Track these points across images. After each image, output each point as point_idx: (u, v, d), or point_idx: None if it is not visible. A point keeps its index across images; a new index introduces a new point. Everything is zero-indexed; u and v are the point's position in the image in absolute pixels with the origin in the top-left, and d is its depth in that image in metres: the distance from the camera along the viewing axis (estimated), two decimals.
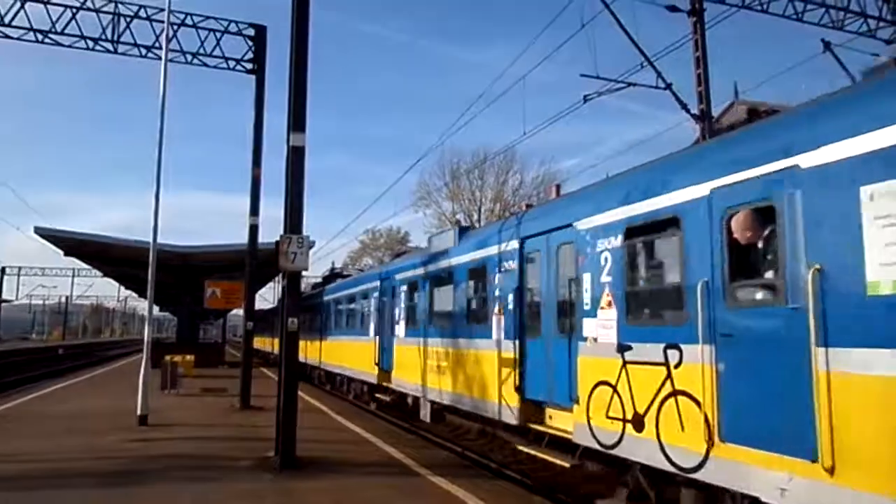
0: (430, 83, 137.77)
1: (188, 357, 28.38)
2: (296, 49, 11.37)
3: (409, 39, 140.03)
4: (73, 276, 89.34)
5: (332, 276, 32.53)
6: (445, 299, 14.90)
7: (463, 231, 14.39)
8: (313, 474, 10.19)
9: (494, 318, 12.21)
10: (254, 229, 19.52)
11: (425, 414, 15.77)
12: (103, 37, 21.12)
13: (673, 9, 18.67)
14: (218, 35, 21.84)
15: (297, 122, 11.12)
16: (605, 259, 9.22)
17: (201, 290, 32.08)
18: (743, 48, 79.45)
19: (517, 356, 11.31)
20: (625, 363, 8.67)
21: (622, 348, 8.74)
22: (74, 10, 20.81)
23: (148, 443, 12.64)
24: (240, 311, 24.70)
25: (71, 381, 28.19)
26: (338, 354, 25.08)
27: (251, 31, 21.85)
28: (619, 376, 8.75)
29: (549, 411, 10.93)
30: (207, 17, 21.91)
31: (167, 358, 23.81)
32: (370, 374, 19.96)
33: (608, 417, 8.94)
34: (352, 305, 23.77)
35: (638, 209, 8.66)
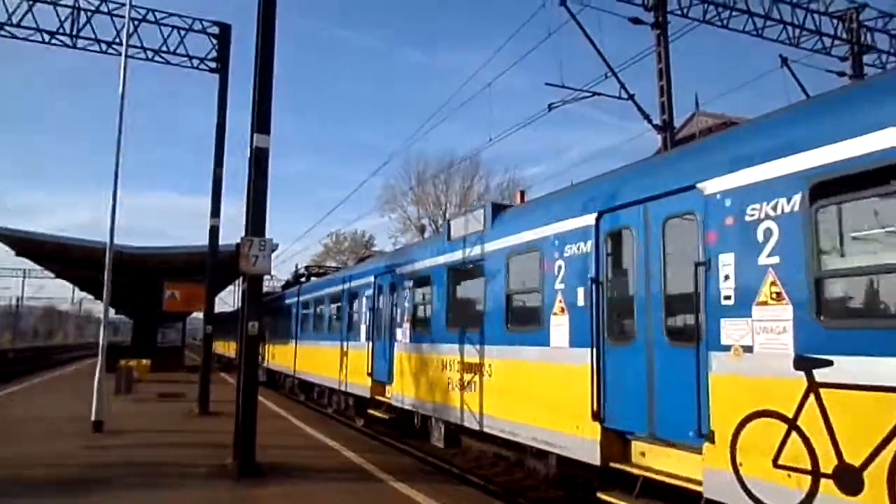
0: (398, 87, 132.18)
1: (144, 361, 27.42)
2: (261, 49, 10.63)
3: (376, 43, 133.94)
4: (25, 276, 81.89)
5: (308, 274, 28.54)
6: (472, 296, 11.41)
7: (498, 210, 10.89)
8: (273, 481, 9.53)
9: (553, 320, 8.79)
10: (214, 231, 18.26)
11: (438, 437, 12.21)
12: (62, 30, 19.60)
13: (636, 21, 18.12)
14: (182, 33, 20.52)
15: (261, 123, 10.42)
16: (767, 231, 5.93)
17: (160, 293, 31.06)
18: (705, 61, 78.44)
19: (594, 369, 7.91)
20: (814, 386, 5.37)
21: (809, 363, 5.43)
22: (31, 2, 19.19)
23: (102, 450, 11.63)
24: (201, 315, 22.61)
25: (22, 385, 26.46)
26: (316, 362, 21.00)
27: (216, 30, 20.47)
28: (803, 406, 5.45)
29: (639, 446, 7.57)
30: (171, 14, 20.57)
31: (122, 362, 22.61)
32: (360, 385, 16.18)
33: (779, 467, 5.61)
34: (335, 306, 19.78)
35: (839, 152, 5.38)
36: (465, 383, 10.89)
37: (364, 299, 16.39)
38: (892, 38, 22.72)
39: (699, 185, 6.71)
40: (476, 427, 10.53)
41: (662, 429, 7.03)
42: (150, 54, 20.39)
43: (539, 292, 9.17)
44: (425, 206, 67.27)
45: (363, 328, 16.19)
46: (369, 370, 15.40)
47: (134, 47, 19.12)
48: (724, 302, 6.32)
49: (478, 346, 10.54)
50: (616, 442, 7.80)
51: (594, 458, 7.83)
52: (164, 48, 20.38)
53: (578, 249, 8.42)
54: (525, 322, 9.69)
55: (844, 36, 21.94)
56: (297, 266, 62.87)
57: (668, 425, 6.95)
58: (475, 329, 10.83)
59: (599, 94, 17.70)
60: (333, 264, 66.66)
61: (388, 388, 14.60)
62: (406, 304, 13.62)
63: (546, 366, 8.87)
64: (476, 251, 10.93)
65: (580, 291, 8.30)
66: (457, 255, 11.62)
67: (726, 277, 6.32)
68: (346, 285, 18.29)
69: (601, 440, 7.78)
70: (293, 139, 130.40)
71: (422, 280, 13.03)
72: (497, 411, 9.92)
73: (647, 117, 17.33)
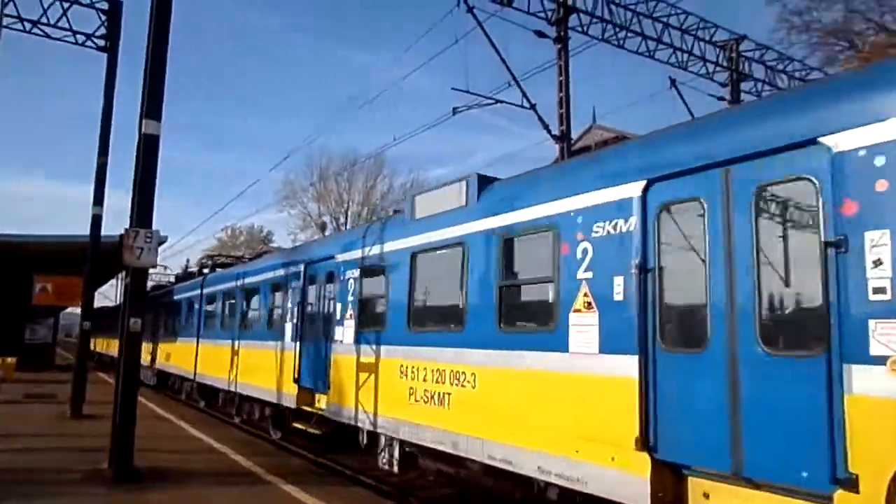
0: (302, 80, 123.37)
1: (9, 359, 24.86)
2: (155, 28, 9.77)
3: (281, 31, 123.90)
4: None
5: (213, 264, 25.06)
6: (446, 287, 9.06)
7: (485, 182, 8.63)
8: (152, 486, 8.78)
9: (573, 318, 6.68)
10: (97, 220, 16.38)
11: (390, 458, 9.75)
12: None
13: (540, 34, 18.43)
14: (65, 4, 17.80)
15: (151, 108, 9.66)
16: None
17: (30, 286, 27.44)
18: (604, 77, 79.73)
19: (641, 385, 5.88)
20: None
21: None
22: None
23: None
24: (79, 310, 19.41)
25: None
26: (223, 364, 17.58)
27: (105, 5, 17.96)
28: None
29: (700, 484, 5.63)
30: None
31: None
32: (282, 392, 13.30)
33: None
34: (251, 300, 16.61)
35: None
36: (434, 396, 8.58)
37: (291, 292, 13.56)
38: (767, 69, 24.40)
39: (825, 140, 4.82)
40: (449, 450, 8.24)
41: (757, 467, 5.07)
42: (27, 25, 17.41)
43: (551, 283, 7.03)
44: (327, 203, 64.57)
45: (289, 326, 13.39)
46: (296, 375, 12.63)
47: (8, 16, 16.75)
48: (873, 296, 4.45)
49: (454, 350, 8.26)
50: (668, 478, 5.81)
51: (641, 500, 5.78)
52: (44, 20, 17.52)
53: (615, 228, 6.36)
54: (528, 321, 7.58)
55: (725, 64, 23.24)
56: (187, 260, 58.21)
57: (767, 463, 5.00)
58: (451, 328, 8.57)
59: (503, 101, 17.86)
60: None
61: (320, 397, 11.95)
62: (350, 299, 11.04)
63: (561, 377, 6.74)
64: (453, 232, 8.63)
65: (618, 282, 6.25)
66: (424, 238, 9.26)
67: (877, 263, 4.45)
68: (267, 276, 15.29)
69: (652, 476, 5.75)
70: (186, 127, 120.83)
71: (373, 269, 10.53)
72: (483, 432, 7.69)
73: (546, 127, 17.41)
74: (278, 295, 14.38)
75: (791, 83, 25.29)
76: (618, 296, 6.24)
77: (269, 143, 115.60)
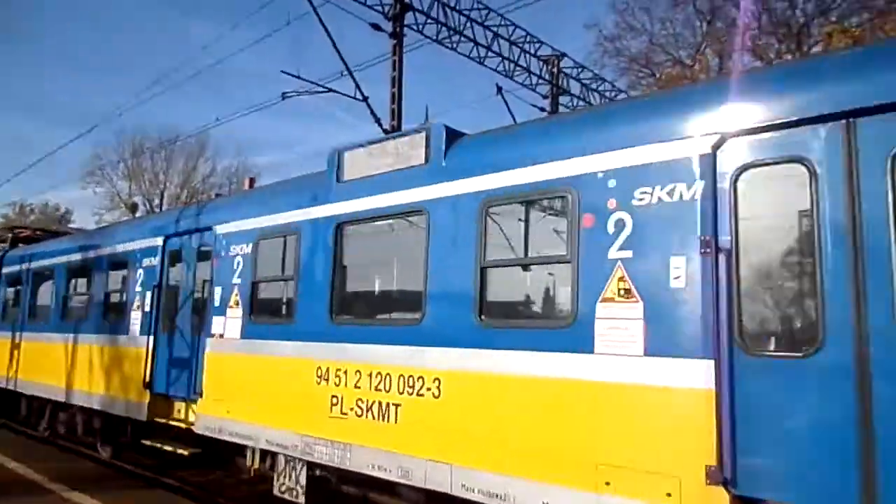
0: (109, 41, 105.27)
1: None
2: None
3: None
4: None
5: (13, 237, 20.03)
6: (392, 267, 7.03)
7: (454, 136, 6.61)
8: None
9: (601, 310, 5.02)
10: None
11: (293, 486, 7.46)
12: None
13: (376, 27, 18.22)
14: None
15: None
16: None
17: None
18: (438, 77, 78.93)
19: (718, 399, 4.42)
20: None
21: None
22: None
23: None
24: None
25: None
26: (29, 363, 13.55)
27: None
28: None
29: None
30: None
31: None
32: (128, 401, 10.05)
33: None
34: (77, 283, 12.84)
35: None
36: (373, 407, 6.51)
37: (142, 273, 10.37)
38: (583, 86, 25.93)
39: None
40: (397, 478, 6.27)
41: None
42: None
43: (567, 264, 5.34)
44: (139, 182, 57.81)
45: (137, 316, 10.26)
46: (147, 379, 9.68)
47: None
48: None
49: (408, 349, 6.27)
50: None
51: None
52: None
53: (672, 195, 4.83)
54: (525, 312, 5.87)
55: (547, 77, 24.34)
56: None
57: None
58: (400, 321, 6.58)
59: (333, 90, 17.46)
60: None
61: (185, 407, 9.18)
62: (237, 281, 8.40)
63: (580, 386, 5.08)
64: (407, 197, 6.58)
65: (677, 264, 4.72)
66: (358, 204, 7.06)
67: None
68: (104, 251, 11.77)
69: None
70: None
71: (275, 244, 8.04)
72: (451, 455, 5.82)
73: (378, 121, 16.93)
74: (122, 275, 11.05)
75: (602, 101, 26.58)
76: (676, 281, 4.73)
77: (73, 111, 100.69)
